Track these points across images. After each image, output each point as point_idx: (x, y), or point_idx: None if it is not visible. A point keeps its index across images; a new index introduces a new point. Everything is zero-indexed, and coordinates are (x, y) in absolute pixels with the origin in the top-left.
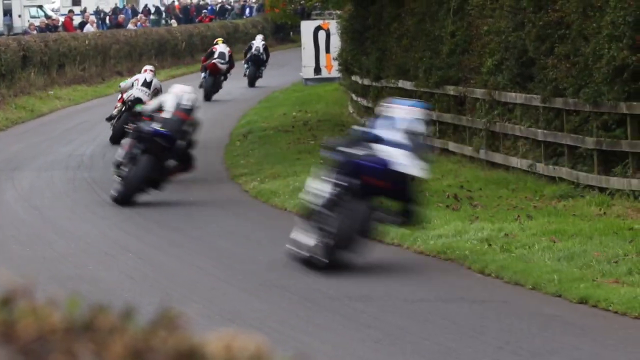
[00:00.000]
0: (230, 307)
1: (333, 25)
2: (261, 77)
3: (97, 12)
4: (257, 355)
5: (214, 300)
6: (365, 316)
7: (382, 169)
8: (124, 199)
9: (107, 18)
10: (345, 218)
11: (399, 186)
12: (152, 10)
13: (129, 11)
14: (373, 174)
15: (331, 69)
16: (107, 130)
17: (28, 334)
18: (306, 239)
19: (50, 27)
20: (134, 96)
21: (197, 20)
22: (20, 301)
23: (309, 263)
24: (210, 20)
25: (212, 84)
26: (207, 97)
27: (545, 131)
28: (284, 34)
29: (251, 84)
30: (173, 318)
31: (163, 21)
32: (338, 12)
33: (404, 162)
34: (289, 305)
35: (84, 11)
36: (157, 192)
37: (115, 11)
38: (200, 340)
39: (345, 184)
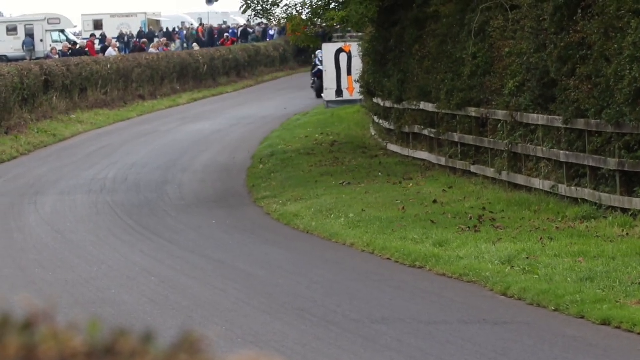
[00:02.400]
0: (251, 329)
1: (354, 48)
2: None
3: (121, 37)
4: None
5: (235, 322)
6: (387, 338)
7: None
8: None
9: (132, 42)
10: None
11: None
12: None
13: (183, 33)
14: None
15: (353, 91)
16: (129, 153)
17: (49, 357)
18: None
19: (74, 51)
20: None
21: (219, 43)
22: (42, 325)
23: None
24: (233, 43)
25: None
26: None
27: (567, 152)
28: (305, 56)
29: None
30: (194, 341)
31: (184, 45)
32: (358, 34)
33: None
34: (310, 327)
35: (103, 36)
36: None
37: (140, 35)
38: None
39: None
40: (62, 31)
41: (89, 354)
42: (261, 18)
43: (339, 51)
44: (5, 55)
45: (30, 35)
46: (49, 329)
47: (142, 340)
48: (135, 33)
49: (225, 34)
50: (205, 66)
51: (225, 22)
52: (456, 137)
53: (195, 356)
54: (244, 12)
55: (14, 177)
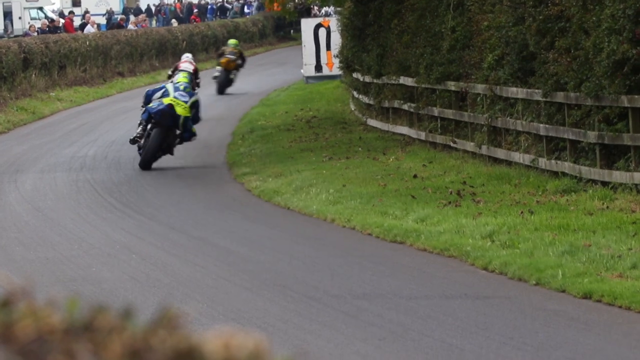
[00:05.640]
0: (232, 306)
1: (333, 23)
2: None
3: (109, 13)
4: (256, 353)
5: (217, 299)
6: (368, 314)
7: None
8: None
9: (119, 19)
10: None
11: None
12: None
13: (168, 9)
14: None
15: (332, 67)
16: (109, 131)
17: (27, 334)
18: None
19: (52, 28)
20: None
21: (190, 19)
22: (20, 302)
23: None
24: (192, 21)
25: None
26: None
27: (547, 126)
28: (284, 32)
29: None
30: (172, 317)
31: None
32: (331, 9)
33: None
34: (291, 303)
35: (86, 12)
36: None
37: (126, 12)
38: (199, 339)
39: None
40: (41, 8)
41: (67, 331)
42: None
43: (318, 26)
44: None
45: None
46: (28, 306)
47: (121, 316)
48: (115, 9)
49: (195, 10)
50: (184, 42)
51: None
52: (436, 111)
53: (174, 332)
54: None
55: None
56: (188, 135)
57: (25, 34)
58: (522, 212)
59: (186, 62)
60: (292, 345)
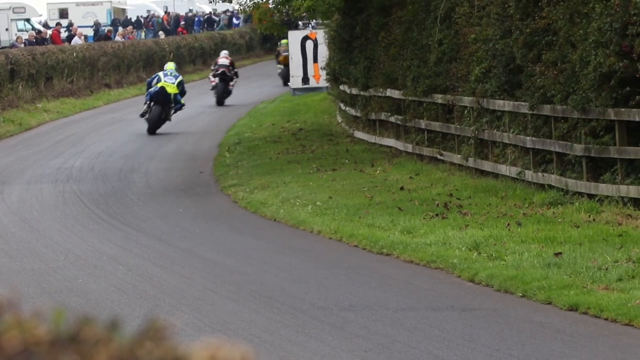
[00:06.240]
0: (218, 317)
1: (321, 35)
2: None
3: (97, 25)
4: None
5: (203, 310)
6: (354, 325)
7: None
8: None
9: (106, 30)
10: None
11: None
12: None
13: (156, 21)
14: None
15: (319, 79)
16: (96, 142)
17: (13, 346)
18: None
19: (39, 40)
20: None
21: (177, 31)
22: (6, 314)
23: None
24: (179, 33)
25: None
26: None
27: (533, 138)
28: (271, 44)
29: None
30: (159, 329)
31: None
32: (317, 21)
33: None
34: (277, 315)
35: (70, 25)
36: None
37: (115, 23)
38: (186, 351)
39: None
40: (28, 20)
41: (54, 342)
42: (224, 1)
43: (305, 38)
44: None
45: None
46: (14, 317)
47: (107, 328)
48: (101, 21)
49: (182, 22)
50: (172, 54)
51: (191, 10)
52: (423, 123)
53: (160, 344)
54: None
55: None
56: (179, 106)
57: (13, 46)
58: (508, 224)
59: (223, 57)
60: (278, 357)
